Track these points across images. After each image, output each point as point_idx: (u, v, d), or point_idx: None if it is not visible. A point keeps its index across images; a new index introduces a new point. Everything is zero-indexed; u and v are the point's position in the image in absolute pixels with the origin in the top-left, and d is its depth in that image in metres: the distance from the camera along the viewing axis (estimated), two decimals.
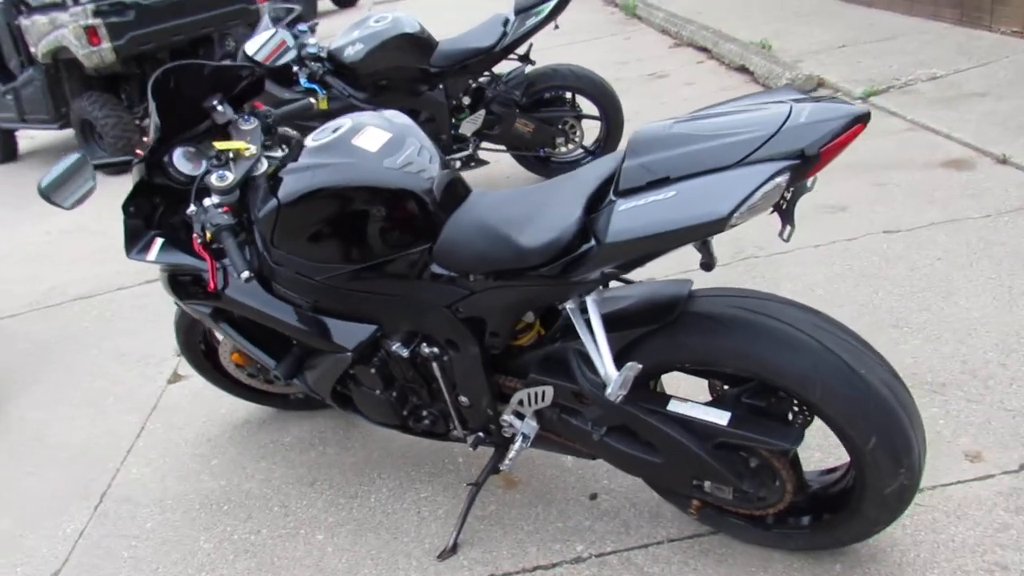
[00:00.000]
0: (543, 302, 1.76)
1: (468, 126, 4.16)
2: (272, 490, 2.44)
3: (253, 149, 2.02)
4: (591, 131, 4.28)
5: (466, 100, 4.15)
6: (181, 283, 2.17)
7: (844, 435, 1.57)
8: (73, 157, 1.93)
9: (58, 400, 3.17)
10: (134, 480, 2.61)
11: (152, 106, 1.97)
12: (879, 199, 3.46)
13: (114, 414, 2.99)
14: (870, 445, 1.54)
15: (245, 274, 1.83)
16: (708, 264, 1.77)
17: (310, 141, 1.90)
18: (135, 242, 2.14)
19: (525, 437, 1.91)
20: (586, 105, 4.19)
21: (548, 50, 7.40)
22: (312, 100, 2.42)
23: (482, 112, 4.13)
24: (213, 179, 1.91)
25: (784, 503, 1.73)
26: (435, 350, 1.94)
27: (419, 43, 3.98)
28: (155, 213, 2.16)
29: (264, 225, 1.87)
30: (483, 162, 4.30)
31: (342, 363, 1.99)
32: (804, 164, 1.36)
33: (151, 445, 2.77)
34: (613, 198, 1.51)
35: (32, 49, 5.83)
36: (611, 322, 1.71)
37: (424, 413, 2.10)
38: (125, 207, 2.09)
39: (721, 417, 1.66)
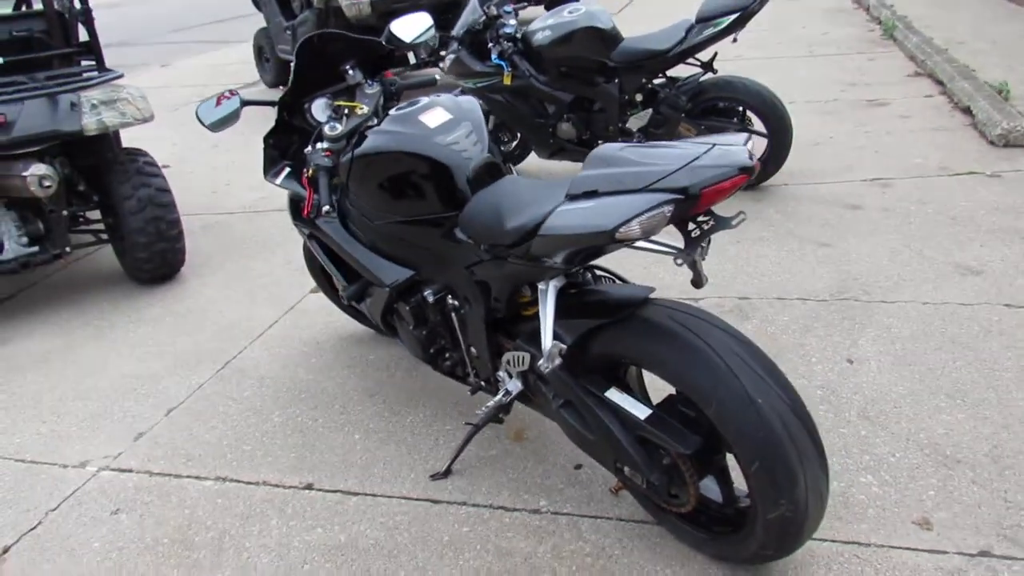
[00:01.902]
0: (525, 279, 2.03)
1: (635, 122, 4.37)
2: (341, 392, 2.93)
3: (366, 109, 2.46)
4: (759, 147, 4.31)
5: (639, 97, 4.36)
6: (295, 206, 2.69)
7: (734, 453, 1.71)
8: (224, 93, 2.49)
9: (229, 285, 3.92)
10: (252, 358, 3.23)
11: (294, 63, 2.48)
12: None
13: (262, 305, 3.66)
14: (752, 468, 1.67)
15: (326, 208, 2.29)
16: (696, 282, 1.95)
17: (393, 111, 2.30)
18: (271, 167, 2.69)
19: (507, 392, 2.21)
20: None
21: (778, 59, 7.29)
22: (437, 76, 2.82)
23: (650, 111, 4.32)
24: (326, 128, 2.38)
25: (689, 505, 1.89)
26: (455, 302, 2.29)
27: (604, 37, 4.24)
28: (291, 147, 2.69)
29: (343, 171, 2.31)
30: None
31: (384, 296, 2.41)
32: (688, 200, 1.53)
33: (276, 335, 3.39)
34: (563, 201, 1.76)
35: None
36: (577, 309, 1.96)
37: (447, 355, 2.47)
38: (266, 139, 2.64)
39: (642, 412, 1.85)
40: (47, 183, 3.43)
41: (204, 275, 4.08)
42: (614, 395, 1.91)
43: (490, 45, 4.45)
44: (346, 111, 2.45)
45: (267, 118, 2.72)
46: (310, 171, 2.41)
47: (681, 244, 1.74)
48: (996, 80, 5.53)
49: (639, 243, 1.92)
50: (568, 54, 4.30)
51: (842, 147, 4.93)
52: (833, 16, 9.27)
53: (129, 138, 5.64)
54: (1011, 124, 4.66)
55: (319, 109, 2.52)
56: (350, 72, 2.56)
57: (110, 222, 3.88)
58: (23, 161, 3.43)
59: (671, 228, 1.70)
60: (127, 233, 3.75)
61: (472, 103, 2.31)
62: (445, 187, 2.14)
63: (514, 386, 2.20)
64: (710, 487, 1.98)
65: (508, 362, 2.17)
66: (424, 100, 2.29)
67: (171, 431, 2.81)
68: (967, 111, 5.31)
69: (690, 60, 4.24)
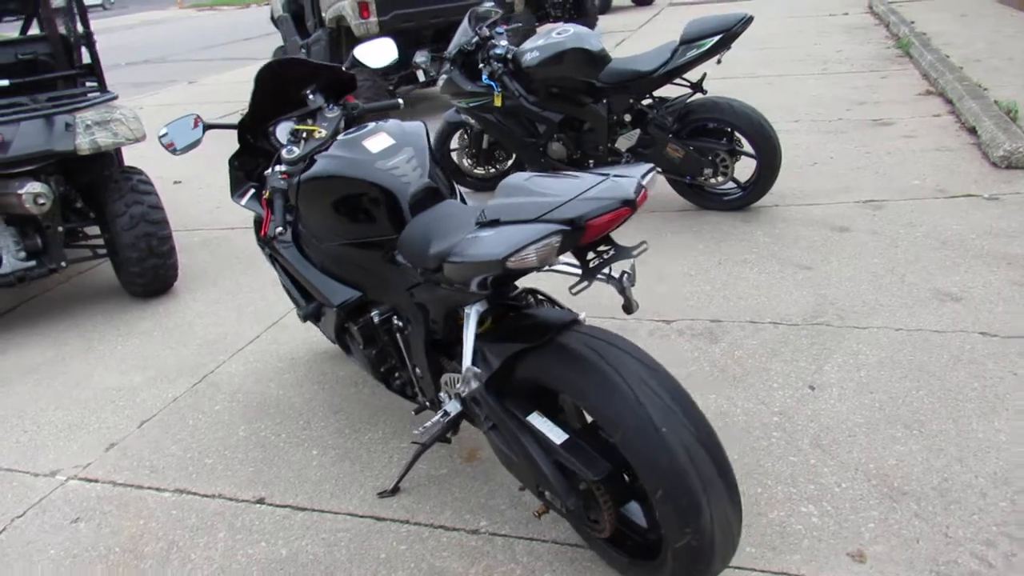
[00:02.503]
0: (455, 302, 2.07)
1: (623, 142, 4.39)
2: (307, 408, 2.99)
3: (324, 133, 2.52)
4: (749, 168, 4.30)
5: (627, 118, 4.38)
6: (258, 227, 2.76)
7: (640, 480, 1.72)
8: (190, 116, 2.57)
9: (219, 299, 4.01)
10: (228, 372, 3.31)
11: (253, 88, 2.55)
12: (1006, 299, 3.19)
13: (247, 320, 3.75)
14: (656, 496, 1.68)
15: (279, 229, 2.35)
16: (627, 308, 1.98)
17: (341, 136, 2.36)
18: (237, 188, 2.77)
19: (446, 413, 2.23)
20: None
21: (789, 76, 7.25)
22: (400, 101, 2.88)
23: (637, 131, 4.34)
24: (284, 152, 2.44)
25: (607, 531, 1.90)
26: (400, 323, 2.33)
27: (592, 59, 4.27)
28: (256, 169, 2.77)
29: (292, 193, 2.37)
30: None
31: (334, 316, 2.46)
32: (575, 232, 1.56)
33: (255, 350, 3.46)
34: (473, 228, 1.79)
35: (323, 14, 6.99)
36: (506, 333, 1.99)
37: (396, 375, 2.51)
38: (231, 160, 2.71)
39: (558, 437, 1.87)
40: (41, 200, 3.56)
41: (196, 290, 4.18)
42: (535, 419, 1.93)
43: (481, 66, 4.51)
44: (304, 135, 2.52)
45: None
46: (267, 193, 2.47)
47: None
48: (1007, 99, 5.45)
49: (557, 266, 1.95)
50: (557, 75, 4.34)
51: (841, 167, 4.89)
52: (851, 33, 9.19)
53: (140, 155, 5.82)
54: (1014, 145, 4.58)
55: (283, 132, 2.59)
56: (311, 97, 2.62)
57: (107, 238, 4.00)
58: (19, 179, 3.56)
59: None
60: (120, 248, 3.87)
61: (417, 128, 2.36)
62: (384, 211, 2.19)
63: (452, 407, 2.23)
64: (636, 512, 1.99)
65: (446, 383, 2.21)
66: (370, 126, 2.35)
67: (140, 443, 2.89)
68: (973, 131, 5.23)
69: (680, 81, 4.25)
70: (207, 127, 2.57)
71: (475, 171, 5.18)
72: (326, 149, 2.37)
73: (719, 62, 4.12)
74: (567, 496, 1.87)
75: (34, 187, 3.55)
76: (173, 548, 2.35)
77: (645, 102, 4.36)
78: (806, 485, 2.33)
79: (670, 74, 4.14)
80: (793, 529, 2.18)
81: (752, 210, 4.38)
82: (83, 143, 3.60)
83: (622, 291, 1.98)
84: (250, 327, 3.68)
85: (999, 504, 2.17)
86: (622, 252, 1.73)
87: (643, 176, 1.69)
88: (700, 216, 4.39)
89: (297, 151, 2.42)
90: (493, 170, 5.16)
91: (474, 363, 2.04)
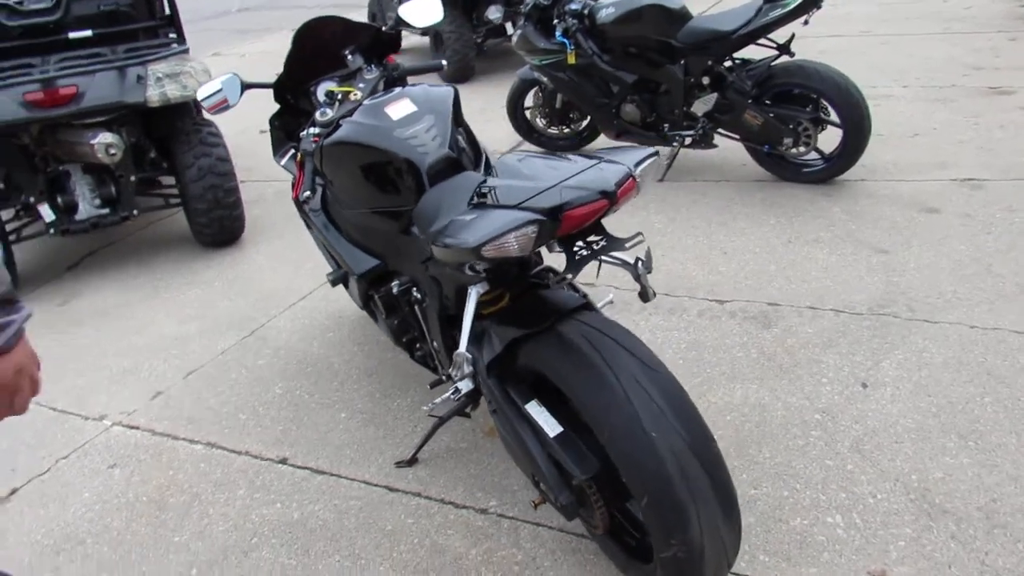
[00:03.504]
0: (459, 281, 1.99)
1: (700, 106, 4.17)
2: (344, 369, 3.01)
3: (360, 95, 2.47)
4: (835, 139, 4.00)
5: (705, 80, 4.14)
6: (295, 187, 2.76)
7: (626, 484, 1.62)
8: (229, 75, 2.56)
9: (281, 253, 4.07)
10: (276, 328, 3.37)
11: (291, 48, 2.52)
12: None
13: (304, 276, 3.79)
14: (643, 503, 1.59)
15: (306, 193, 2.34)
16: (643, 295, 1.88)
17: (367, 100, 2.30)
18: (279, 148, 2.77)
19: (457, 391, 2.19)
20: None
21: (906, 36, 6.70)
22: (443, 62, 2.78)
23: (715, 95, 4.10)
24: (317, 114, 2.41)
25: (600, 529, 1.81)
26: (419, 296, 2.29)
27: (670, 16, 4.04)
28: (298, 129, 2.75)
29: (316, 158, 2.34)
30: (711, 145, 4.29)
31: (357, 284, 2.43)
32: (552, 222, 1.45)
33: (306, 307, 3.51)
34: (464, 209, 1.70)
35: None
36: (513, 316, 1.91)
37: (418, 345, 2.47)
38: (271, 120, 2.71)
39: (552, 429, 1.79)
40: (112, 151, 3.68)
41: (262, 242, 4.26)
42: (532, 408, 1.85)
43: (555, 21, 4.35)
44: (339, 96, 2.47)
45: None
46: (300, 155, 2.46)
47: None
48: None
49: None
50: (632, 33, 4.14)
51: (943, 139, 4.50)
52: None
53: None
54: None
55: (322, 93, 2.56)
56: (350, 57, 2.57)
57: (179, 188, 4.12)
58: (92, 130, 3.69)
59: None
60: (188, 199, 3.98)
61: (444, 95, 2.27)
62: (402, 180, 2.13)
63: (464, 385, 2.18)
64: (637, 509, 1.89)
65: (455, 362, 2.15)
66: (396, 91, 2.27)
67: (184, 393, 2.98)
68: None
69: (766, 42, 3.97)
70: (245, 87, 2.56)
71: (549, 131, 5.05)
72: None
73: (806, 23, 3.82)
74: (559, 491, 1.80)
75: (106, 137, 3.67)
76: (195, 502, 2.42)
77: (726, 64, 4.10)
78: (837, 493, 2.17)
79: (752, 35, 3.87)
80: (815, 540, 2.04)
81: (835, 184, 4.09)
82: (153, 95, 3.69)
83: (636, 278, 1.87)
84: (305, 283, 3.72)
85: None
86: (613, 244, 1.62)
87: (638, 163, 1.56)
88: (777, 188, 4.14)
89: (331, 113, 2.38)
90: (568, 130, 5.01)
91: (481, 344, 1.98)
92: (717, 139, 4.25)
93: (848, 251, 3.43)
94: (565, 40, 4.30)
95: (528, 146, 5.14)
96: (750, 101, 3.98)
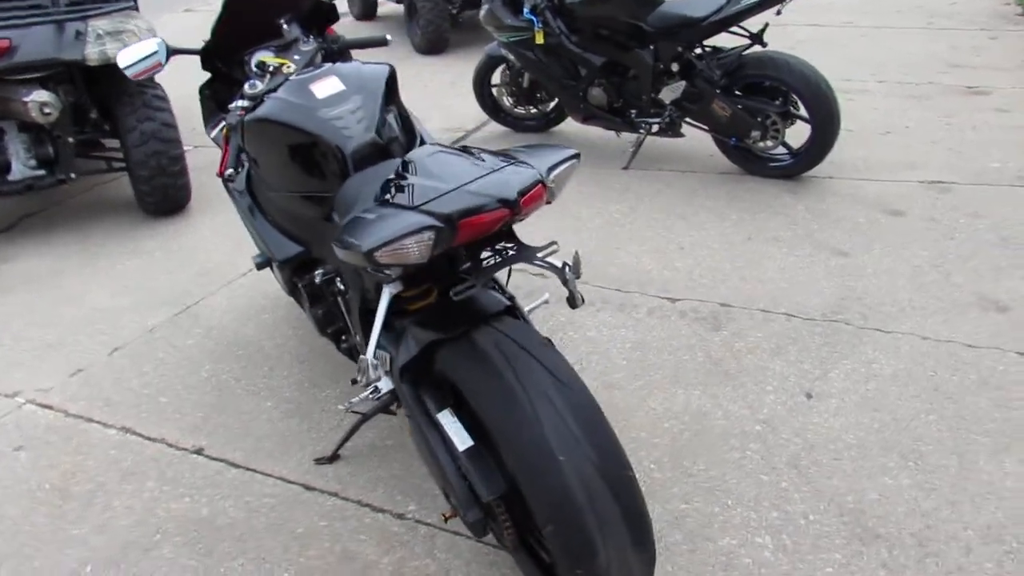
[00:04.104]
0: (372, 280, 1.86)
1: (668, 93, 4.03)
2: (275, 354, 2.88)
3: (292, 68, 2.32)
4: (804, 134, 3.88)
5: (675, 67, 4.00)
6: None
7: (531, 509, 1.52)
8: (155, 39, 2.40)
9: (227, 225, 3.89)
10: (210, 306, 3.22)
11: (221, 12, 2.35)
12: None
13: (244, 253, 3.63)
14: (546, 530, 1.48)
15: (228, 171, 2.20)
16: (570, 301, 1.77)
17: (293, 76, 2.15)
18: (210, 119, 2.60)
19: (376, 389, 2.06)
20: None
21: (887, 29, 6.59)
22: (387, 37, 2.62)
23: (683, 83, 3.97)
24: (246, 85, 2.26)
25: (509, 550, 1.71)
26: (342, 287, 2.16)
27: None
28: (229, 101, 2.59)
29: (238, 134, 2.19)
30: (678, 134, 4.16)
31: (279, 270, 2.30)
32: (450, 230, 1.33)
33: (244, 285, 3.36)
34: (370, 205, 1.57)
35: None
36: (434, 317, 1.78)
37: (344, 337, 2.34)
38: (201, 89, 2.54)
39: (462, 443, 1.67)
40: (47, 110, 3.49)
41: (208, 213, 4.09)
42: (445, 418, 1.73)
43: None
44: (271, 68, 2.32)
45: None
46: (226, 129, 2.31)
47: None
48: None
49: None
50: (602, 14, 3.99)
51: (915, 139, 4.41)
52: None
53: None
54: None
55: (256, 64, 2.40)
56: (285, 27, 2.42)
57: (122, 152, 3.93)
58: (27, 86, 3.50)
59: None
60: (131, 165, 3.80)
61: (377, 74, 2.12)
62: (324, 164, 1.99)
63: (384, 384, 2.05)
64: None
65: (360, 366, 2.02)
66: (326, 67, 2.12)
67: (105, 372, 2.84)
68: None
69: (739, 31, 3.83)
70: (171, 52, 2.40)
71: (515, 110, 4.90)
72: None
73: (779, 13, 3.70)
74: (467, 507, 1.69)
75: (40, 95, 3.48)
76: (100, 492, 2.29)
77: (696, 51, 3.96)
78: (769, 511, 2.08)
79: (723, 22, 3.73)
80: (740, 562, 1.95)
81: (801, 180, 3.99)
82: (92, 53, 3.50)
83: (564, 283, 1.75)
84: (246, 260, 3.57)
85: (984, 565, 1.89)
86: (524, 253, 1.50)
87: (552, 167, 1.44)
88: (742, 182, 4.03)
89: (260, 86, 2.23)
90: (535, 110, 4.86)
91: (399, 344, 1.85)
92: (685, 128, 4.13)
93: (807, 252, 3.33)
94: (533, 18, 4.14)
95: (494, 126, 4.99)
96: (718, 91, 3.86)
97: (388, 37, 2.61)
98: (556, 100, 4.68)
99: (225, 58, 2.48)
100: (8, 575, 2.03)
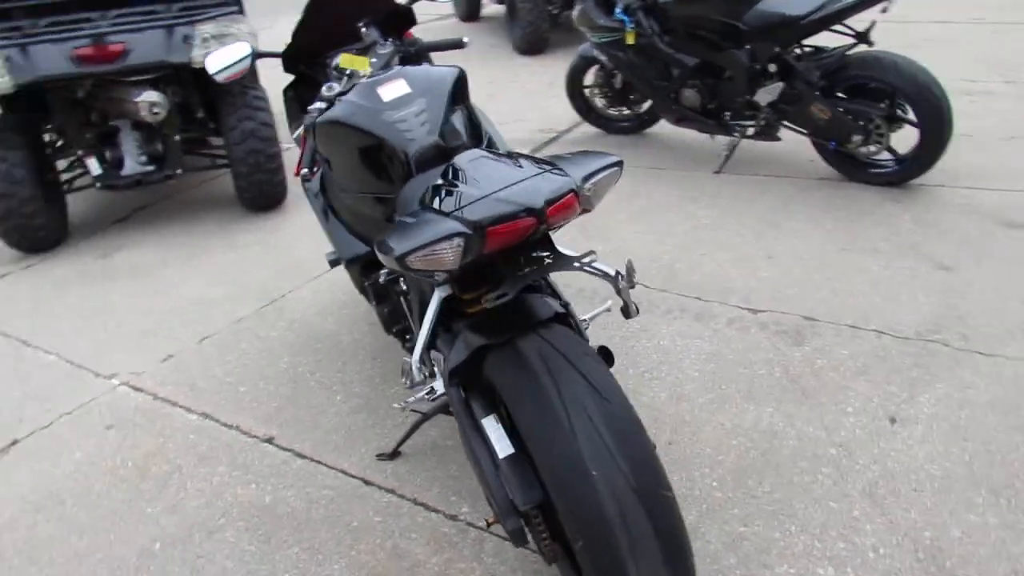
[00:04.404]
0: (428, 282, 1.87)
1: (764, 95, 3.88)
2: (351, 349, 2.94)
3: (369, 71, 2.36)
4: (912, 139, 3.66)
5: (772, 68, 3.85)
6: None
7: (563, 523, 1.48)
8: (243, 44, 2.49)
9: (315, 228, 3.99)
10: (296, 299, 3.33)
11: (302, 16, 2.43)
12: None
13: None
14: (577, 546, 1.45)
15: (303, 171, 2.27)
16: (624, 311, 1.74)
17: (364, 79, 2.18)
18: (294, 120, 2.69)
19: (432, 390, 2.07)
20: None
21: (1006, 26, 6.12)
22: (465, 39, 2.63)
23: (781, 84, 3.81)
24: (324, 88, 2.32)
25: (547, 560, 1.68)
26: (405, 287, 2.18)
27: None
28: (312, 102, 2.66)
29: (311, 135, 2.24)
30: (775, 137, 4.01)
31: (348, 269, 2.34)
32: (479, 237, 1.31)
33: (328, 280, 3.45)
34: (415, 209, 1.57)
35: None
36: (487, 321, 1.77)
37: (408, 337, 2.37)
38: (285, 91, 2.63)
39: (504, 449, 1.65)
40: (156, 109, 3.70)
41: (304, 210, 4.20)
42: (489, 423, 1.72)
43: None
44: (347, 71, 2.37)
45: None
46: (303, 130, 2.37)
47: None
48: None
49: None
50: (696, 13, 3.89)
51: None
52: None
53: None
54: None
55: (335, 67, 2.46)
56: (364, 30, 2.47)
57: (225, 150, 4.12)
58: (138, 87, 3.71)
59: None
60: (232, 162, 3.97)
61: (443, 77, 2.12)
62: (387, 166, 2.01)
63: (440, 386, 2.06)
64: None
65: (403, 369, 2.03)
66: (395, 70, 2.15)
67: (193, 359, 2.98)
68: None
69: (844, 29, 3.65)
70: (256, 56, 2.48)
71: (608, 111, 4.84)
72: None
73: (885, 10, 3.49)
74: (506, 515, 1.66)
75: (150, 96, 3.68)
76: (175, 473, 2.40)
77: (795, 51, 3.79)
78: (836, 541, 1.97)
79: (824, 20, 3.56)
80: None
81: (907, 188, 3.76)
82: (198, 55, 3.68)
83: (618, 292, 1.71)
84: None
85: None
86: (561, 262, 1.46)
87: (589, 176, 1.40)
88: (842, 189, 3.83)
89: (337, 88, 2.28)
90: (628, 111, 4.79)
91: (451, 347, 1.85)
92: (783, 132, 3.96)
93: (907, 265, 3.13)
94: (625, 18, 4.07)
95: (587, 127, 4.94)
96: (817, 93, 3.68)
97: (465, 40, 2.61)
98: (649, 101, 4.59)
99: (307, 61, 2.55)
100: (86, 547, 2.16)
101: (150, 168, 3.96)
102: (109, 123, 3.97)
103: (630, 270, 1.70)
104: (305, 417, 2.60)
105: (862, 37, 3.67)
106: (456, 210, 1.43)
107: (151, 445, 2.53)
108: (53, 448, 2.56)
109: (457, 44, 2.60)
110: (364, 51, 2.49)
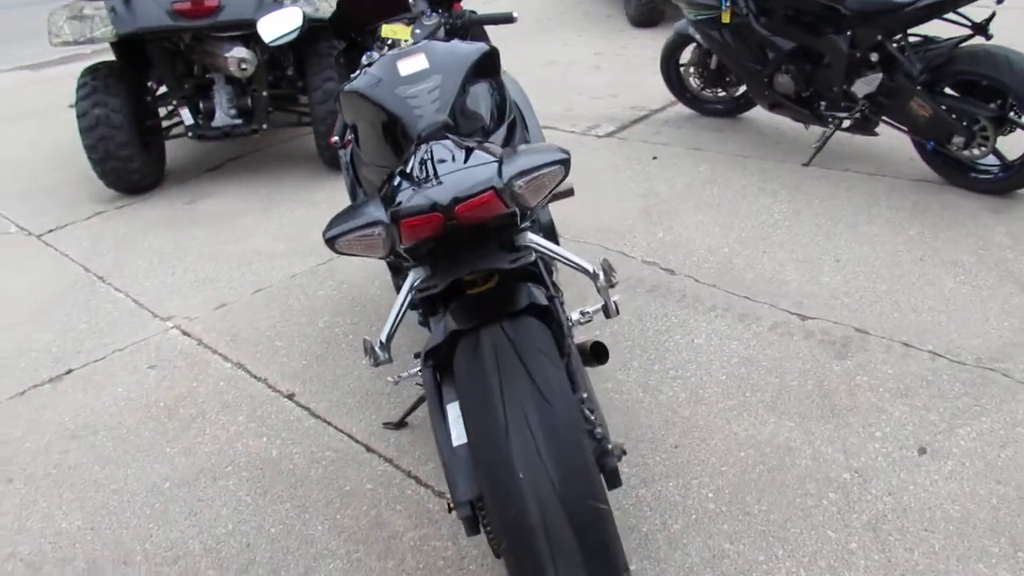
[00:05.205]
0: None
1: (861, 86, 3.62)
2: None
3: (411, 41, 2.37)
4: (1022, 144, 3.33)
5: (873, 57, 3.57)
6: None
7: (489, 523, 1.46)
8: (294, 9, 2.54)
9: None
10: (347, 261, 3.36)
11: None
12: None
13: None
14: (501, 546, 1.42)
15: (334, 139, 2.31)
16: (604, 310, 1.69)
17: (390, 51, 2.18)
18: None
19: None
20: None
21: None
22: (514, 14, 2.57)
23: (880, 76, 3.54)
24: (364, 57, 2.35)
25: (494, 551, 1.66)
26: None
27: None
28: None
29: (337, 104, 2.27)
30: (872, 132, 3.74)
31: None
32: (396, 228, 1.29)
33: None
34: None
35: None
36: (469, 306, 1.75)
37: (419, 310, 2.38)
38: (336, 58, 2.67)
39: (459, 438, 1.63)
40: (244, 65, 3.85)
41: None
42: (452, 409, 1.70)
43: None
44: (389, 41, 2.38)
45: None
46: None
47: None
48: None
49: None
50: None
51: None
52: None
53: None
54: None
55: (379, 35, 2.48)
56: (411, 0, 2.46)
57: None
58: (230, 43, 3.87)
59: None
60: (313, 120, 4.09)
61: (467, 54, 2.08)
62: (397, 140, 2.01)
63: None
64: None
65: (364, 346, 2.03)
66: (421, 44, 2.13)
67: (243, 309, 3.12)
68: None
69: (954, 18, 3.34)
70: (307, 21, 2.53)
71: (703, 92, 4.64)
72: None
73: (1000, 1, 3.15)
74: (458, 503, 1.66)
75: (239, 52, 3.83)
76: (199, 418, 2.53)
77: (900, 40, 3.50)
78: (823, 573, 1.85)
79: (933, 8, 3.26)
80: None
81: (1012, 198, 3.43)
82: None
83: (598, 290, 1.66)
84: None
85: None
86: (491, 259, 1.41)
87: (522, 173, 1.35)
88: (937, 193, 3.53)
89: (376, 56, 2.30)
90: (723, 93, 4.58)
91: (434, 330, 1.85)
92: (882, 127, 3.69)
93: (988, 283, 2.86)
94: None
95: (680, 107, 4.76)
96: (919, 87, 3.39)
97: (515, 14, 2.56)
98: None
99: (357, 28, 2.57)
100: (105, 477, 2.32)
101: (238, 121, 4.14)
102: (206, 76, 4.16)
103: (607, 269, 1.64)
104: (328, 377, 2.67)
105: (980, 29, 3.33)
106: (391, 198, 1.42)
107: (184, 388, 2.67)
108: (100, 381, 2.75)
109: (507, 19, 2.55)
110: (412, 21, 2.49)
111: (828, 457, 2.17)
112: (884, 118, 3.65)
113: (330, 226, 1.50)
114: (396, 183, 1.52)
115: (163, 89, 4.30)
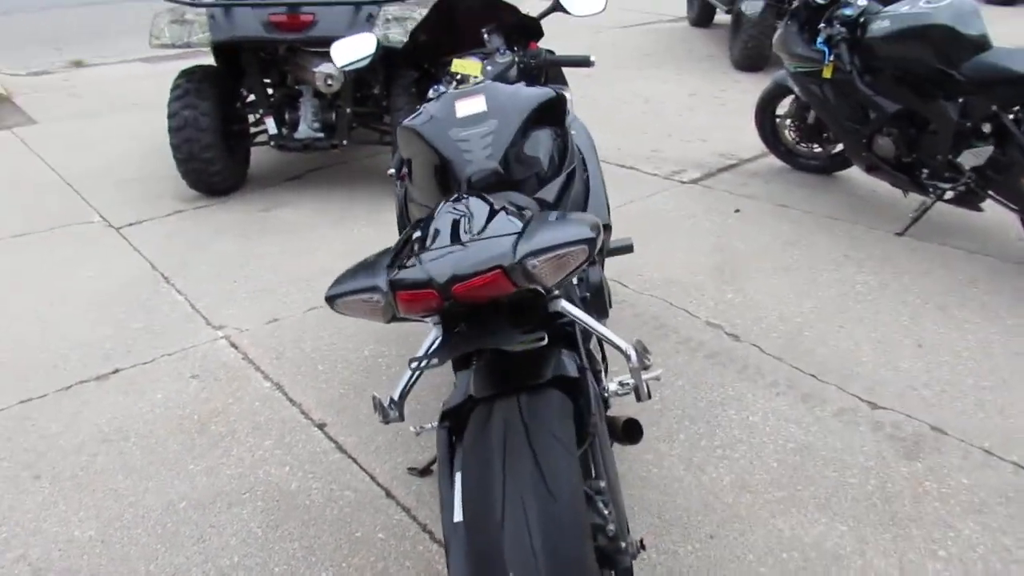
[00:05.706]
0: None
1: (969, 158, 3.36)
2: None
3: (480, 78, 2.30)
4: None
5: (986, 128, 3.31)
6: None
7: None
8: (368, 35, 2.51)
9: None
10: None
11: (427, 14, 2.40)
12: None
13: None
14: None
15: (390, 171, 2.27)
16: (636, 394, 1.59)
17: (451, 89, 2.11)
18: None
19: (435, 427, 1.98)
20: None
21: None
22: (591, 57, 2.46)
23: (990, 148, 3.27)
24: (431, 90, 2.30)
25: None
26: None
27: (960, 42, 3.27)
28: None
29: (394, 138, 2.21)
30: (977, 207, 3.48)
31: None
32: (394, 299, 1.20)
33: None
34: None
35: None
36: (486, 370, 1.65)
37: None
38: (408, 87, 2.63)
39: (456, 515, 1.52)
40: (330, 81, 3.87)
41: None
42: (459, 478, 1.59)
43: (821, 25, 3.73)
44: (458, 76, 2.32)
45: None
46: None
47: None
48: None
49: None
50: (906, 55, 3.42)
51: None
52: None
53: None
54: None
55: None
56: (487, 36, 2.40)
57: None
58: (319, 58, 3.90)
59: None
60: (392, 139, 4.08)
61: (529, 99, 1.97)
62: (443, 182, 1.93)
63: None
64: None
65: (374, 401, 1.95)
66: (483, 84, 2.04)
67: (293, 327, 3.09)
68: None
69: None
70: (380, 49, 2.50)
71: (798, 147, 4.43)
72: None
73: None
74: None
75: (328, 67, 3.86)
76: (228, 437, 2.50)
77: (1017, 112, 3.23)
78: None
79: None
80: None
81: None
82: (376, 34, 3.77)
83: (631, 371, 1.53)
84: None
85: None
86: (501, 336, 1.30)
87: (539, 252, 1.24)
88: None
89: (442, 91, 2.24)
90: (819, 149, 4.35)
91: (457, 387, 1.76)
92: (988, 203, 3.41)
93: None
94: (826, 49, 3.67)
95: (772, 159, 4.55)
96: None
97: (592, 58, 2.45)
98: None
99: (430, 60, 2.52)
100: (125, 488, 2.30)
101: (320, 135, 4.17)
102: (295, 88, 4.21)
103: (640, 350, 1.50)
104: (363, 410, 2.61)
105: None
106: (396, 263, 1.34)
107: (220, 403, 2.65)
108: (142, 385, 2.76)
109: (584, 62, 2.45)
110: (486, 57, 2.42)
111: (881, 572, 1.96)
112: (991, 193, 3.37)
113: (335, 282, 1.43)
114: (410, 241, 1.44)
115: (252, 97, 4.38)
